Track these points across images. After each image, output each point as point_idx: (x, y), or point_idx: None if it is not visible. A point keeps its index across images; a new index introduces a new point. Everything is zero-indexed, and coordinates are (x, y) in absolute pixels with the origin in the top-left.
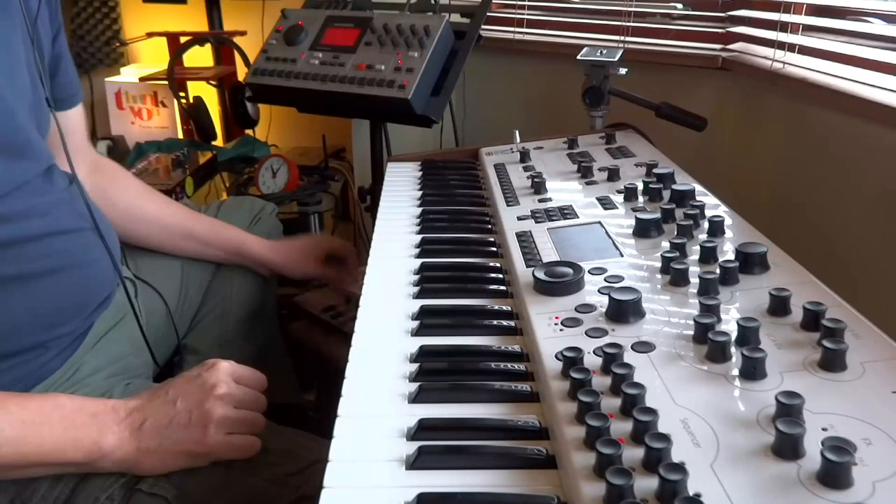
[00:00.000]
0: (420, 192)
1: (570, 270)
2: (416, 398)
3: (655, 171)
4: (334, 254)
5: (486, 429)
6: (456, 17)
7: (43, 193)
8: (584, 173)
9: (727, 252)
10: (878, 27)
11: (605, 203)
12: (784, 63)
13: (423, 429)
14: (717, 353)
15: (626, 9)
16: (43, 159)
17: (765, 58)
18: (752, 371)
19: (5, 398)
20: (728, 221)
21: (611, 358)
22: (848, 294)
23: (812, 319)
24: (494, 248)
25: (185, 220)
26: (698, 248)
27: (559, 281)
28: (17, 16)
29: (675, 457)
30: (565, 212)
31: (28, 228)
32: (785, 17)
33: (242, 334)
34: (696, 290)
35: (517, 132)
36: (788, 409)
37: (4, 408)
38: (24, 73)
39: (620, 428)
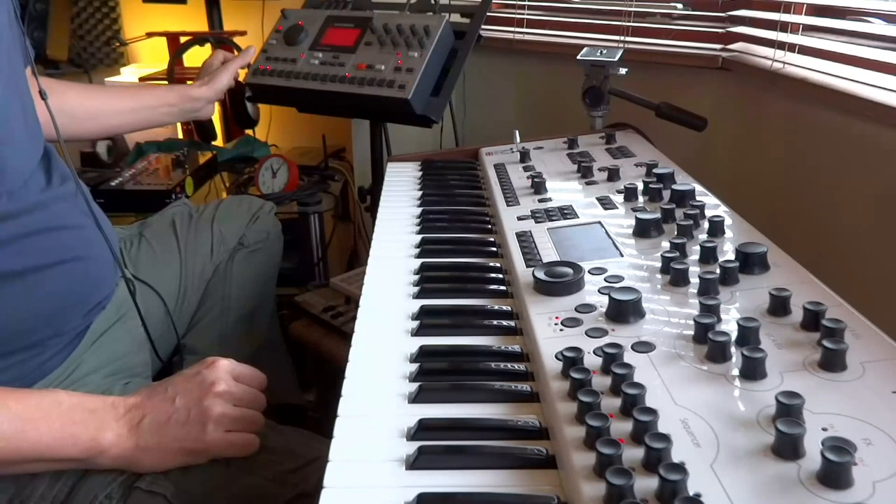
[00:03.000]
0: (420, 192)
1: (570, 270)
2: (416, 398)
3: (655, 171)
4: (227, 58)
5: (486, 429)
6: (456, 17)
7: (45, 188)
8: (584, 173)
9: (727, 252)
10: (878, 27)
11: (605, 203)
12: (784, 63)
13: (423, 429)
14: (717, 353)
15: (626, 9)
16: (36, 146)
17: (765, 58)
18: (752, 371)
19: (4, 393)
20: (728, 221)
21: (611, 358)
22: (848, 294)
23: (812, 319)
24: (494, 248)
25: (130, 99)
26: (698, 248)
27: (559, 281)
28: None
29: (675, 457)
30: (565, 212)
31: (32, 223)
32: (785, 17)
33: (242, 334)
34: (696, 290)
35: (517, 132)
36: (788, 409)
37: (2, 403)
38: (3, 53)
39: (620, 428)
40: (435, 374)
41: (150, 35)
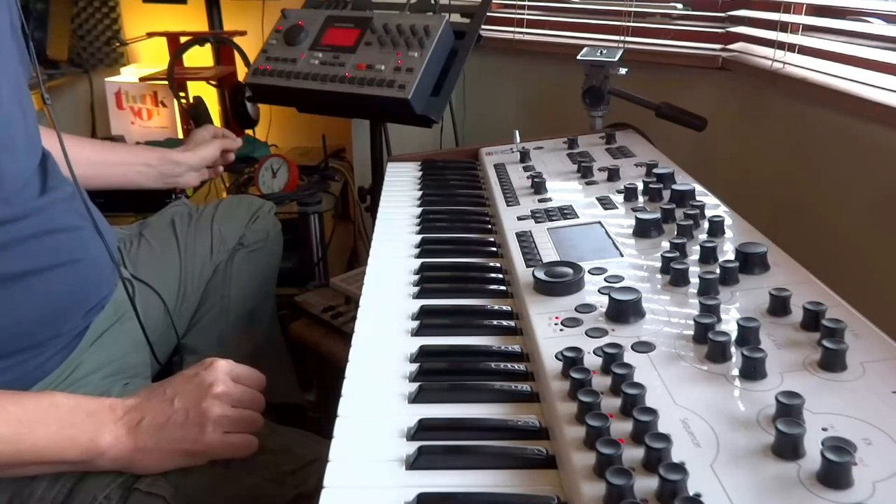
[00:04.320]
0: (420, 192)
1: (570, 270)
2: (416, 398)
3: (655, 171)
4: (216, 134)
5: (486, 429)
6: (456, 17)
7: (41, 193)
8: (584, 173)
9: (727, 252)
10: (878, 27)
11: (605, 203)
12: (784, 63)
13: (423, 429)
14: (717, 353)
15: (626, 9)
16: (35, 152)
17: (765, 58)
18: (752, 371)
19: (1, 396)
20: (728, 221)
21: (611, 358)
22: (848, 294)
23: (812, 319)
24: (494, 248)
25: (103, 152)
26: (698, 248)
27: (559, 281)
28: None
29: (675, 457)
30: (565, 212)
31: (27, 228)
32: (785, 17)
33: (241, 333)
34: (696, 290)
35: (517, 132)
36: (788, 409)
37: (0, 406)
38: (7, 58)
39: (620, 428)
40: (435, 374)
41: (150, 35)
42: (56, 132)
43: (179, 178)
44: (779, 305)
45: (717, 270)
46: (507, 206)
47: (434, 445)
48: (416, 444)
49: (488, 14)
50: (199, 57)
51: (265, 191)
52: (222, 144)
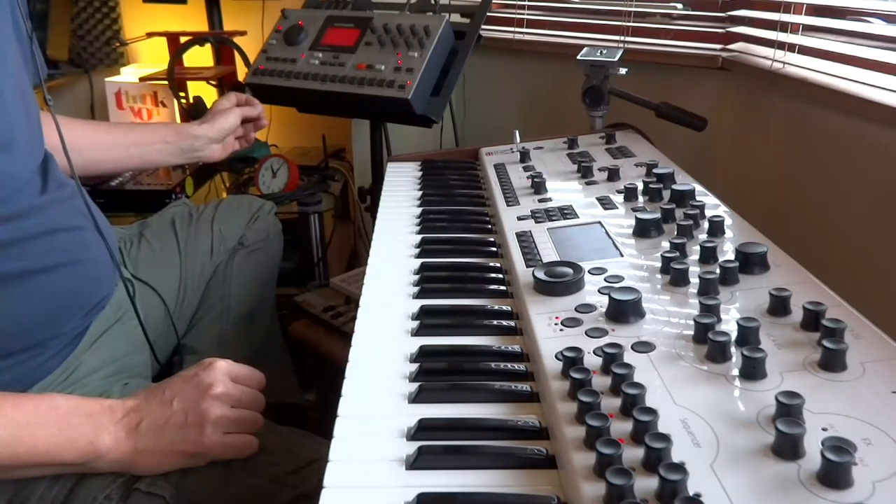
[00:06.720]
0: (420, 192)
1: (570, 270)
2: (416, 398)
3: (655, 171)
4: (239, 102)
5: (486, 429)
6: (456, 17)
7: (42, 192)
8: (584, 173)
9: (727, 252)
10: (878, 27)
11: (605, 203)
12: (784, 63)
13: (423, 429)
14: (717, 353)
15: (626, 9)
16: (37, 152)
17: (765, 58)
18: (752, 371)
19: (0, 398)
20: (728, 221)
21: (611, 358)
22: (848, 294)
23: (812, 319)
24: (494, 248)
25: (118, 134)
26: (698, 248)
27: (559, 281)
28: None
29: (675, 457)
30: (565, 212)
31: (28, 227)
32: (785, 17)
33: (241, 334)
34: (696, 290)
35: (517, 132)
36: (788, 409)
37: None
38: (9, 59)
39: (620, 428)
40: (435, 374)
41: (150, 35)
42: (58, 132)
43: (201, 152)
44: (779, 305)
45: (717, 270)
46: (507, 206)
47: (434, 445)
48: (416, 444)
49: (488, 14)
50: (199, 57)
51: (265, 191)
52: (242, 112)
